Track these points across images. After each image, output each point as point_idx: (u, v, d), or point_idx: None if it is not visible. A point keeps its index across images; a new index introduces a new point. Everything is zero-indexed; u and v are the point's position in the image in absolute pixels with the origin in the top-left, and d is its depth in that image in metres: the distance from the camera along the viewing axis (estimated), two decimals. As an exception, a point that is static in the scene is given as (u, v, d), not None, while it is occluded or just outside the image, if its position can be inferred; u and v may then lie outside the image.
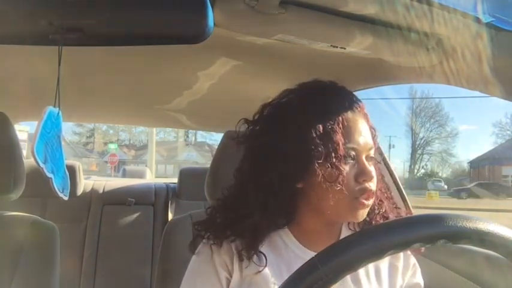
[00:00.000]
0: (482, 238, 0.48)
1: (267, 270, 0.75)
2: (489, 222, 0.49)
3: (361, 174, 0.72)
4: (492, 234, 0.49)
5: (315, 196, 0.73)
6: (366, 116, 0.78)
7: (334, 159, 0.70)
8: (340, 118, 0.73)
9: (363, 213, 0.74)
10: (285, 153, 0.72)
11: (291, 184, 0.73)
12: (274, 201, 0.73)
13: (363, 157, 0.73)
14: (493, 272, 0.85)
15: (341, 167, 0.71)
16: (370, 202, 0.74)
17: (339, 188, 0.70)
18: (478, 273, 0.92)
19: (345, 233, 0.80)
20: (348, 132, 0.72)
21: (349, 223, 0.81)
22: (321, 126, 0.71)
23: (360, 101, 0.79)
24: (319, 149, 0.70)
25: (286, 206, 0.75)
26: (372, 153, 0.75)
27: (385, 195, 0.82)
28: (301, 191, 0.75)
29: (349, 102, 0.76)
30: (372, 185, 0.73)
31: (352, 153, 0.72)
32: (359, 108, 0.77)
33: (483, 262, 0.88)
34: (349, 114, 0.74)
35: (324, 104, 0.74)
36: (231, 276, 0.76)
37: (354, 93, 0.83)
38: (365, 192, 0.72)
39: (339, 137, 0.71)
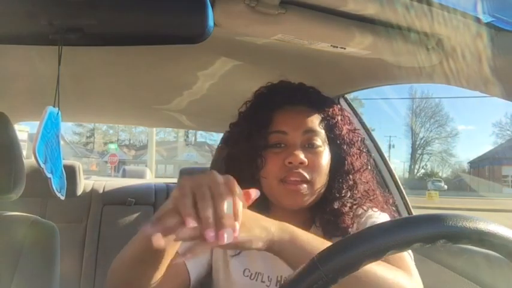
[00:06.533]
0: (482, 238, 0.48)
1: (242, 256, 0.78)
2: (489, 222, 0.49)
3: (287, 157, 0.75)
4: (492, 234, 0.48)
5: (259, 185, 0.77)
6: (310, 105, 0.83)
7: (253, 149, 0.78)
8: (266, 110, 0.81)
9: (295, 199, 0.76)
10: (242, 138, 0.82)
11: (250, 173, 0.78)
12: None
13: (295, 143, 0.77)
14: (493, 272, 0.86)
15: (263, 153, 0.78)
16: (302, 188, 0.75)
17: (264, 173, 0.77)
18: (478, 273, 0.92)
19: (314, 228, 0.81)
20: (276, 121, 0.79)
21: (315, 219, 0.82)
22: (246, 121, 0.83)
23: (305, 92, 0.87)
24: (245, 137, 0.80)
25: None
26: (313, 140, 0.79)
27: (368, 196, 0.83)
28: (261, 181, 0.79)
29: (284, 96, 0.83)
30: (304, 171, 0.75)
31: (276, 139, 0.78)
32: (299, 98, 0.84)
33: (483, 262, 0.88)
34: (281, 107, 0.82)
35: (257, 102, 0.85)
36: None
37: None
38: (290, 175, 0.75)
39: (258, 126, 0.79)
